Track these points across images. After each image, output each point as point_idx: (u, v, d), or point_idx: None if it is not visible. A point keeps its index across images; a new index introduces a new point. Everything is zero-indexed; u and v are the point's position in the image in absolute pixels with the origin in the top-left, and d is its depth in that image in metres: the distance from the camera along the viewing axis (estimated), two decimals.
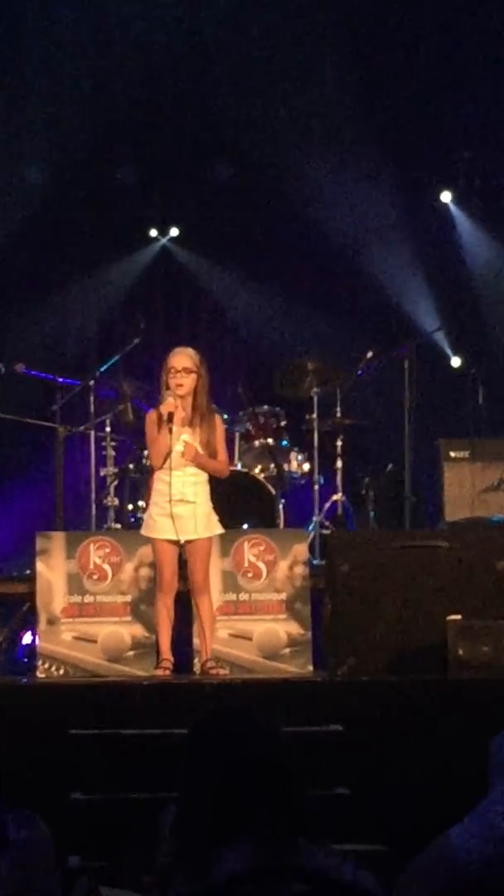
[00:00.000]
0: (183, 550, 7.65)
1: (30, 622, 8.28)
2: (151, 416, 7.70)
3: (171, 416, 7.52)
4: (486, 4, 11.87)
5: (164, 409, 7.54)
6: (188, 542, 7.59)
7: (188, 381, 7.57)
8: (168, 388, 7.58)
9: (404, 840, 3.60)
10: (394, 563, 7.53)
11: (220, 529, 7.76)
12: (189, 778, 2.63)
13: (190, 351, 7.72)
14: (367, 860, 2.60)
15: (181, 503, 7.54)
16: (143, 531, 7.77)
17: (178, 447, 7.57)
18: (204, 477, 7.68)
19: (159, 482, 7.64)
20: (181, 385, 7.56)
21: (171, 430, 7.52)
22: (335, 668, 7.43)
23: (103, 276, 12.45)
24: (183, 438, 7.56)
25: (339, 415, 10.25)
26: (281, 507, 9.54)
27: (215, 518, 7.72)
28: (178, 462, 7.57)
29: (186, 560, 7.66)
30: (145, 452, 9.60)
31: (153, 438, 7.64)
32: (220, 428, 7.79)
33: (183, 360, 7.61)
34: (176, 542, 7.59)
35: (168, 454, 7.56)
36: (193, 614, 7.77)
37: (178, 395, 7.56)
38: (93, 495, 9.79)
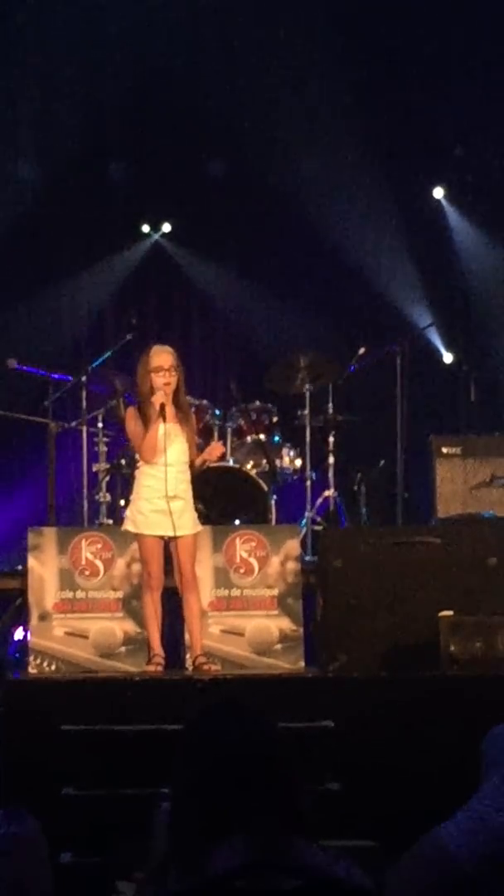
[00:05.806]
0: (168, 546, 7.65)
1: (21, 618, 8.27)
2: (132, 412, 7.71)
3: (163, 408, 7.54)
4: (478, 3, 11.87)
5: (157, 400, 7.55)
6: (177, 538, 7.58)
7: (174, 379, 7.60)
8: (152, 386, 7.58)
9: (396, 836, 3.59)
10: (386, 560, 7.54)
11: (200, 526, 7.81)
12: (182, 774, 2.63)
13: (169, 349, 7.74)
14: (358, 856, 2.60)
15: (175, 499, 7.55)
16: (132, 527, 7.68)
17: (175, 444, 7.58)
18: (188, 473, 7.71)
19: (150, 478, 7.60)
20: (169, 383, 7.58)
21: (164, 419, 7.53)
22: (327, 664, 7.44)
23: (95, 272, 12.44)
24: (215, 444, 7.78)
25: (331, 411, 10.24)
26: (273, 503, 9.53)
27: (196, 514, 7.79)
28: (173, 457, 7.57)
29: (173, 556, 7.65)
30: None
31: (139, 433, 7.63)
32: (194, 423, 7.94)
33: (168, 358, 7.63)
34: (162, 538, 7.60)
35: (160, 448, 7.56)
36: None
37: (166, 392, 7.58)
38: (84, 491, 9.78)
